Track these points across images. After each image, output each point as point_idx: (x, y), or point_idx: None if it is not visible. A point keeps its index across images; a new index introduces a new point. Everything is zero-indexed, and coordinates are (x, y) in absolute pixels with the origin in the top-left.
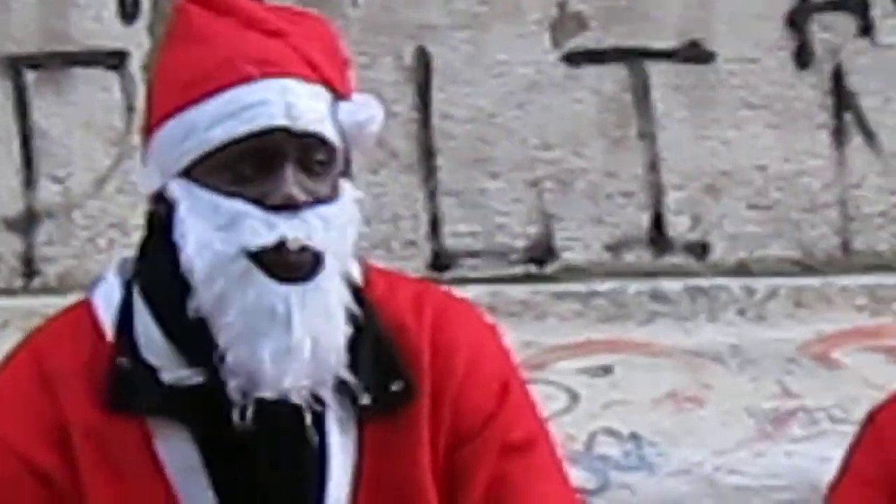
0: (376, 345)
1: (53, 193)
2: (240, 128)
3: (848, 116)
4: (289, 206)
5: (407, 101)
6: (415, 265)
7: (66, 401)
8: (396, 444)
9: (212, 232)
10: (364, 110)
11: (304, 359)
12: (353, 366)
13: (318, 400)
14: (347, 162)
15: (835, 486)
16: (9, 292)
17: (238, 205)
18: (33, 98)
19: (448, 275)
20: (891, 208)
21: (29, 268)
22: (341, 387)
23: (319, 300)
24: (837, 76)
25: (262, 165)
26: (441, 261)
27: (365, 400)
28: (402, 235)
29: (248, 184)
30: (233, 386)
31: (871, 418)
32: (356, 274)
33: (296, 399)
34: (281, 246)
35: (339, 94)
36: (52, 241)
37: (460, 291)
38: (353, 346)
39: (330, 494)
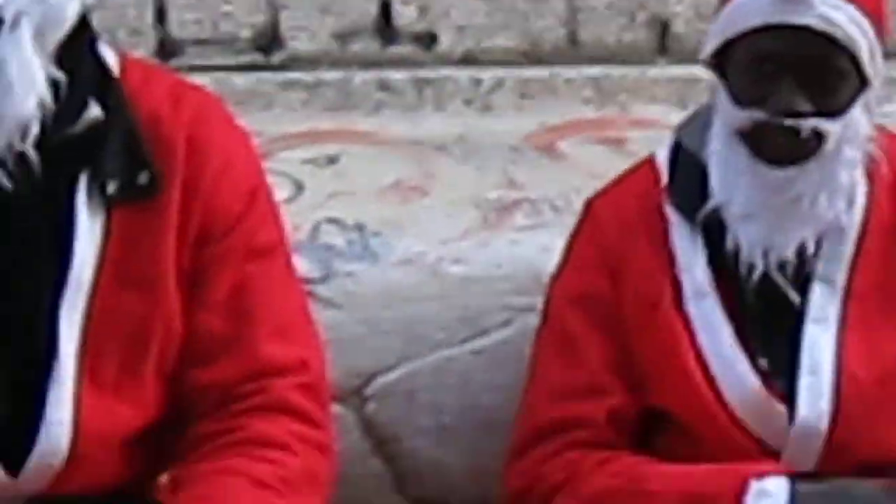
0: (127, 134)
1: None
2: None
3: None
4: None
5: None
6: (140, 53)
7: None
8: (142, 233)
9: None
10: None
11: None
12: (101, 152)
13: (61, 179)
14: None
15: (557, 273)
16: None
17: None
18: None
19: (174, 62)
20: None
21: None
22: (92, 170)
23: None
24: None
25: None
26: (167, 48)
27: (111, 188)
28: (127, 23)
29: None
30: None
31: (588, 207)
32: (111, 62)
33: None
34: None
35: None
36: None
37: (187, 79)
38: (102, 133)
39: (73, 273)
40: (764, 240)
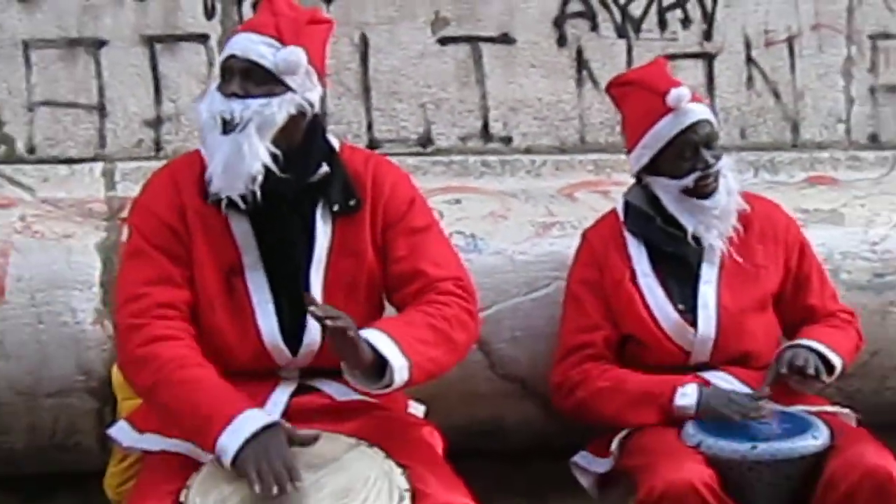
0: (342, 181)
1: (170, 107)
2: (226, 52)
3: (584, 73)
4: (232, 94)
5: (356, 62)
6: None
7: (185, 195)
8: (352, 231)
9: (208, 103)
10: (289, 55)
11: (226, 170)
12: (329, 190)
13: (308, 204)
14: (288, 89)
15: (571, 267)
16: (147, 159)
17: (214, 92)
18: (160, 58)
19: (377, 152)
20: (606, 119)
21: (157, 146)
22: (322, 199)
23: (237, 142)
24: (580, 52)
25: (229, 74)
26: (372, 144)
27: (335, 207)
28: (352, 132)
29: (226, 84)
30: (214, 189)
31: (584, 235)
32: (337, 146)
33: (245, 193)
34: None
35: (287, 46)
36: (169, 133)
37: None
38: (328, 180)
39: (316, 252)
40: (724, 231)
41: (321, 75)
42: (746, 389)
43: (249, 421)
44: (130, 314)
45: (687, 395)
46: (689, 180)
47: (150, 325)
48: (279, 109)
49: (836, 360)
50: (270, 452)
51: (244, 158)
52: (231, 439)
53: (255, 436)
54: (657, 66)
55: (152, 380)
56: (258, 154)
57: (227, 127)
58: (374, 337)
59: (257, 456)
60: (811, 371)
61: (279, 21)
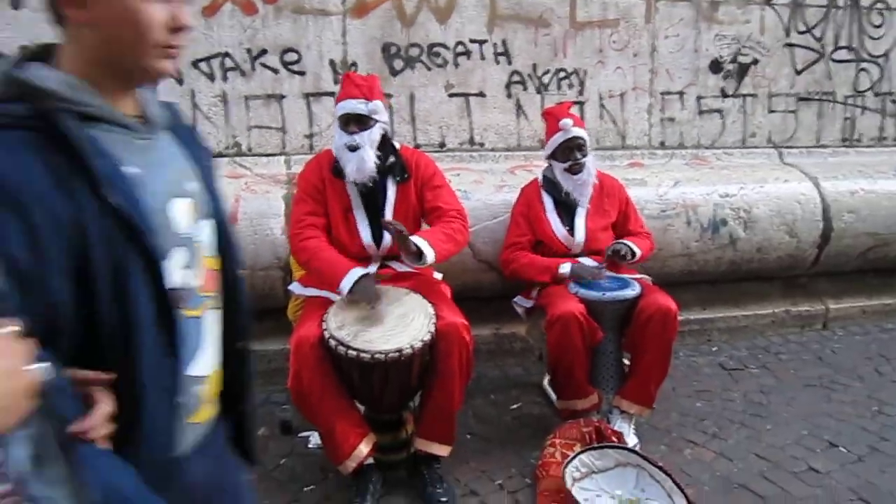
0: (400, 165)
1: (317, 128)
2: (341, 111)
3: (520, 111)
4: (352, 132)
5: (408, 106)
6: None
7: (324, 172)
8: (405, 190)
9: (338, 138)
10: (375, 106)
11: (358, 170)
12: (395, 169)
13: (384, 177)
14: (376, 121)
15: (513, 207)
16: (305, 154)
17: (340, 131)
18: (312, 104)
19: (419, 150)
20: (531, 134)
21: (311, 148)
22: (391, 174)
23: (361, 155)
24: (518, 101)
25: (346, 121)
26: (416, 146)
27: (398, 178)
28: (406, 140)
29: (346, 127)
30: (349, 179)
31: (522, 189)
32: (398, 146)
33: (367, 180)
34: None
35: (371, 101)
36: (317, 141)
37: (418, 150)
38: (394, 166)
39: (388, 201)
40: (584, 192)
41: (385, 107)
42: (595, 264)
43: (356, 272)
44: (297, 228)
45: (564, 267)
46: (566, 164)
47: (305, 232)
48: (376, 134)
49: (639, 252)
50: (365, 288)
51: (366, 163)
52: (346, 282)
53: (359, 280)
54: (563, 105)
55: (307, 257)
56: (372, 159)
57: (352, 149)
58: (417, 239)
59: (359, 289)
60: (624, 253)
61: (362, 89)
